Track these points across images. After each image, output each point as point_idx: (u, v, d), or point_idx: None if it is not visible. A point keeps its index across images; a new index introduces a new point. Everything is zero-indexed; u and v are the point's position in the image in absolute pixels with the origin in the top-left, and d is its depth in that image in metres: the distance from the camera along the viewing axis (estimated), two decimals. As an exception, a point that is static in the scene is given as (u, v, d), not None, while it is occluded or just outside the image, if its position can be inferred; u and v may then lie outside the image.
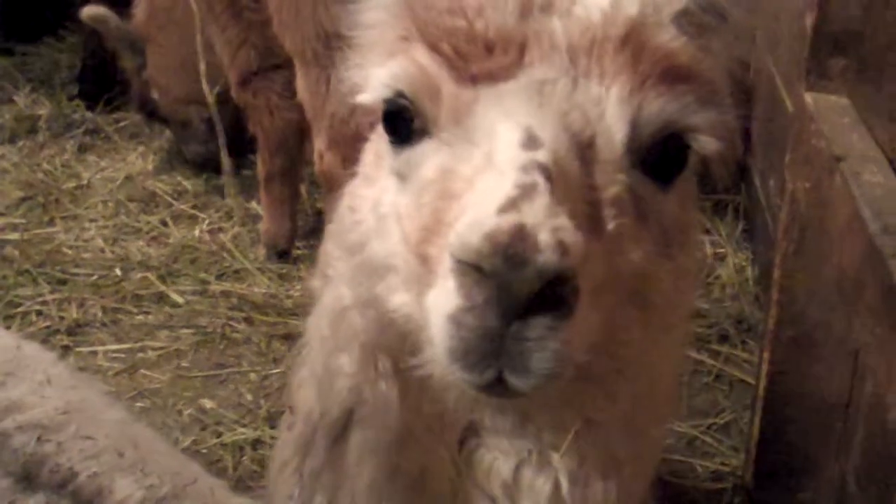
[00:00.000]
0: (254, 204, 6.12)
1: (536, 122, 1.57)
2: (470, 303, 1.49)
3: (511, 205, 1.46)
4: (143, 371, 4.71)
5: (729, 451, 4.19)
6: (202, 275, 5.46)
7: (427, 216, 1.63)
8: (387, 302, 1.74)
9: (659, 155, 1.69)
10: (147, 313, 5.16)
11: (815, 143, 2.81)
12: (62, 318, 5.01)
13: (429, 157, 1.70)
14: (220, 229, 5.96)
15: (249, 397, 4.55)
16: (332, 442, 1.88)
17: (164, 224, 6.01)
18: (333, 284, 1.94)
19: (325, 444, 1.88)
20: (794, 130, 3.02)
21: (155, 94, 6.69)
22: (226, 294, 5.29)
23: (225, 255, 5.66)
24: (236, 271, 5.54)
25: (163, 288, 5.32)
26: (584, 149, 1.62)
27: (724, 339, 4.81)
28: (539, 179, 1.49)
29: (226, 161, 5.88)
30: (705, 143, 1.69)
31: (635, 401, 1.85)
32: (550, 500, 1.83)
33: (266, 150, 5.67)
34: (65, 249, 5.63)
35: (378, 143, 1.88)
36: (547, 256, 1.43)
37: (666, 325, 1.81)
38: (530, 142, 1.54)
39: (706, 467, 4.09)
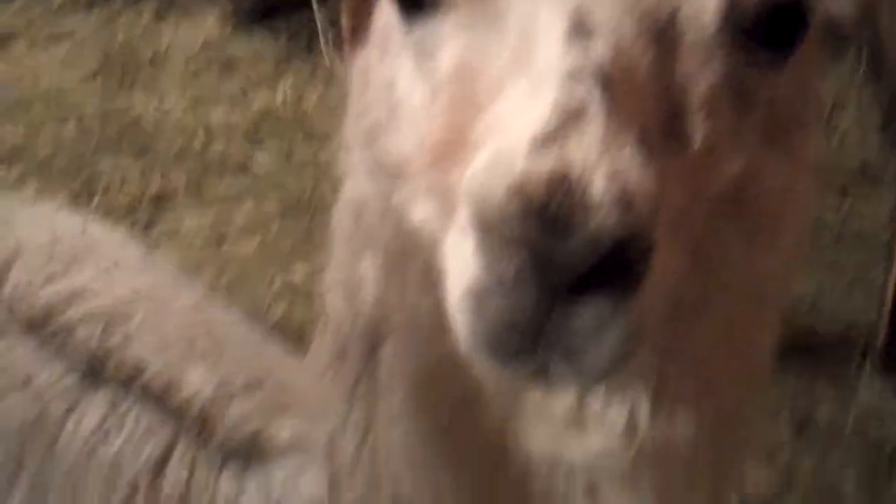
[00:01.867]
0: (335, 66, 5.86)
1: (588, 2, 1.12)
2: (495, 277, 1.07)
3: (551, 136, 1.03)
4: (229, 242, 4.57)
5: (856, 313, 3.90)
6: (287, 140, 5.27)
7: (446, 126, 1.22)
8: (406, 212, 1.35)
9: (769, 21, 1.22)
10: (231, 182, 5.00)
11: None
12: (145, 189, 4.88)
13: (446, 41, 1.26)
14: (303, 93, 5.72)
15: (340, 266, 4.36)
16: (365, 355, 1.58)
17: (245, 90, 5.79)
18: (353, 174, 1.55)
19: (358, 357, 1.59)
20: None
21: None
22: (311, 160, 5.09)
23: (308, 119, 5.44)
24: (321, 136, 5.31)
25: (247, 155, 5.15)
26: (662, 30, 1.17)
27: (845, 191, 4.46)
28: (593, 94, 1.06)
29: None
30: (839, 2, 1.27)
31: (733, 321, 1.41)
32: (626, 433, 1.41)
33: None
34: (145, 119, 5.47)
35: (388, 6, 1.43)
36: (604, 217, 1.01)
37: (777, 236, 1.36)
38: (581, 30, 1.11)
39: (831, 330, 3.81)
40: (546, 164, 1.02)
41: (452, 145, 1.19)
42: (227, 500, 1.91)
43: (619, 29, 1.12)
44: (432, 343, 1.39)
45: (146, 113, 5.51)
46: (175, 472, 1.93)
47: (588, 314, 1.06)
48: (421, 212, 1.30)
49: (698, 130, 1.18)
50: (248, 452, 1.92)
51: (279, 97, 5.69)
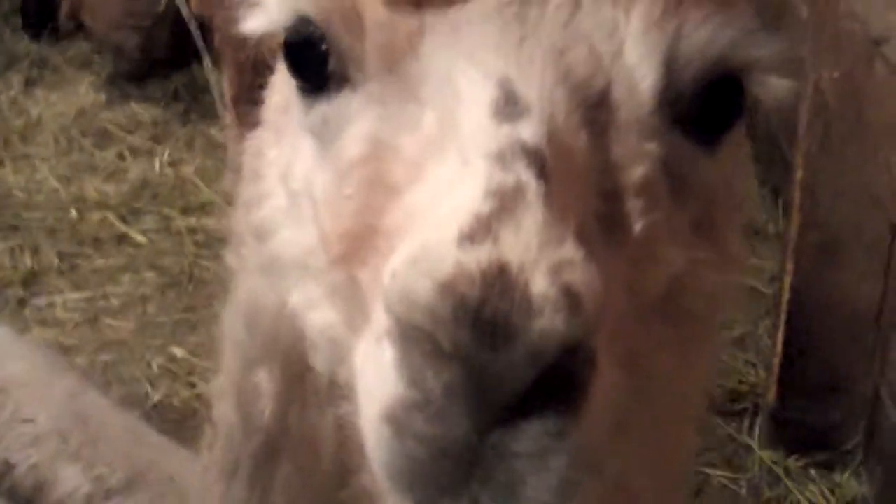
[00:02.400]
0: (214, 131, 5.76)
1: (517, 69, 1.01)
2: (419, 395, 0.91)
3: (482, 226, 0.89)
4: (105, 320, 4.39)
5: (745, 368, 3.92)
6: (165, 211, 5.12)
7: (354, 214, 1.08)
8: (305, 317, 1.20)
9: (705, 101, 1.13)
10: (108, 257, 4.83)
11: (846, 26, 2.47)
12: (16, 267, 4.69)
13: (353, 119, 1.12)
14: (182, 160, 5.59)
15: (224, 342, 4.23)
16: (257, 472, 1.46)
17: (121, 158, 5.64)
18: (248, 272, 1.40)
19: (249, 475, 1.47)
20: (816, 11, 2.68)
21: (87, 19, 6.33)
22: (192, 230, 4.96)
23: (189, 187, 5.31)
24: (202, 205, 5.20)
25: (123, 228, 4.99)
26: (594, 109, 1.05)
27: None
28: (527, 177, 0.92)
29: (205, 57, 5.42)
30: (774, 86, 1.17)
31: (658, 437, 1.28)
32: None
33: (233, 66, 5.26)
34: (16, 192, 5.29)
35: (284, 83, 1.29)
36: (549, 320, 0.87)
37: (703, 337, 1.25)
38: (509, 105, 0.98)
39: (722, 386, 3.81)
40: (479, 259, 0.88)
41: (363, 237, 1.05)
42: None
43: (551, 102, 1.00)
44: (336, 466, 1.28)
45: (17, 186, 5.32)
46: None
47: (528, 437, 0.91)
48: (324, 316, 1.17)
49: (636, 218, 1.07)
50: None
51: (157, 166, 5.55)
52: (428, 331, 0.88)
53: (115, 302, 4.51)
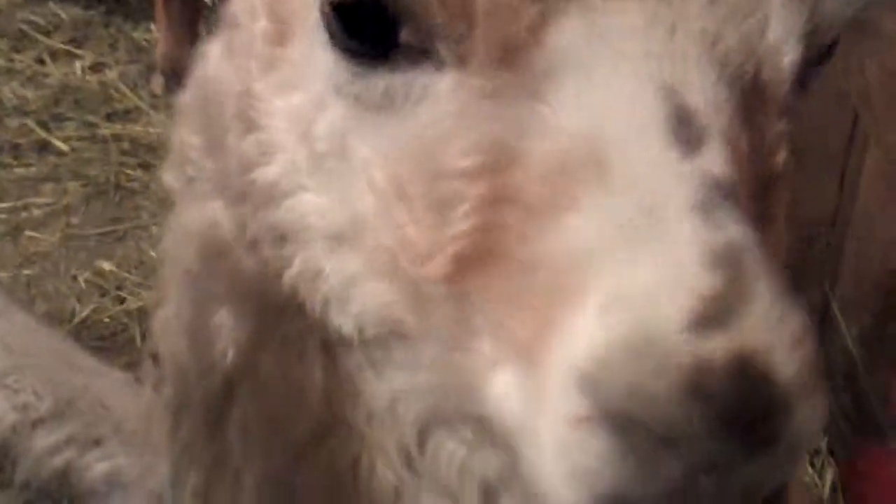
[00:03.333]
0: (138, 34, 5.54)
1: (676, 69, 0.85)
2: (645, 481, 0.79)
3: (713, 306, 0.76)
4: (28, 233, 4.21)
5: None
6: (89, 117, 4.91)
7: (467, 234, 0.92)
8: (330, 285, 1.11)
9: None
10: (28, 165, 4.63)
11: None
12: (-72, 176, 4.47)
13: (442, 105, 0.95)
14: (104, 64, 5.37)
15: (153, 254, 4.10)
16: (210, 413, 1.37)
17: (41, 62, 5.38)
18: (200, 197, 1.28)
19: (202, 415, 1.37)
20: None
21: None
22: (117, 138, 4.77)
23: (113, 92, 5.10)
24: (127, 111, 5.00)
25: (44, 135, 4.78)
26: (748, 99, 0.91)
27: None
28: (734, 230, 0.79)
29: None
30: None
31: None
32: None
33: None
34: (-74, 97, 5.03)
35: (293, 19, 1.11)
36: (808, 411, 0.78)
37: None
38: (683, 126, 0.83)
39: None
40: (720, 348, 0.74)
41: (482, 258, 0.90)
42: (30, 550, 1.69)
43: (720, 111, 0.86)
44: (317, 419, 1.22)
45: (-73, 89, 5.07)
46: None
47: (742, 475, 0.80)
48: (380, 294, 1.06)
49: (778, 202, 0.97)
50: (57, 493, 1.69)
51: (78, 70, 5.32)
52: (665, 426, 0.76)
53: (37, 213, 4.33)
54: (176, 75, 5.17)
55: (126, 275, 3.98)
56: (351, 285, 1.11)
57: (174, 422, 1.38)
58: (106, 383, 1.94)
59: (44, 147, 4.74)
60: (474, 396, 0.94)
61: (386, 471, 1.27)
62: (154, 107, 5.02)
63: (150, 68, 5.30)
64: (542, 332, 0.82)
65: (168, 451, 1.42)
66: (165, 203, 3.83)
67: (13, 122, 4.87)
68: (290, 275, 1.19)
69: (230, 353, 1.28)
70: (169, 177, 1.35)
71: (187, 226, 1.31)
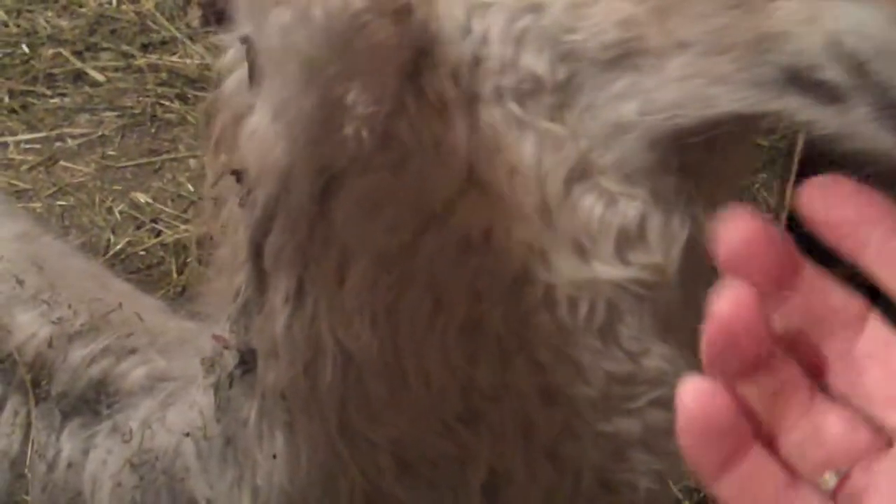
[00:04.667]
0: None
1: None
2: None
3: None
4: (62, 163, 4.22)
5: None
6: (124, 47, 4.90)
7: None
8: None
9: None
10: (63, 95, 4.62)
11: None
12: (-38, 105, 4.48)
13: None
14: (140, -5, 5.36)
15: (190, 187, 4.10)
16: (312, 204, 1.36)
17: (75, -9, 5.38)
18: None
19: (304, 209, 1.36)
20: None
21: None
22: (153, 68, 4.75)
23: (150, 23, 5.08)
24: (164, 42, 4.98)
25: (79, 65, 4.77)
26: None
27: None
28: None
29: None
30: None
31: None
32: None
33: None
34: (-41, 26, 5.05)
35: None
36: None
37: None
38: None
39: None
40: None
41: None
42: (71, 463, 1.68)
43: None
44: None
45: (-40, 18, 5.08)
46: (5, 436, 1.69)
47: None
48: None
49: None
50: (95, 402, 1.69)
51: (114, 0, 5.28)
52: None
53: (71, 143, 4.34)
54: (213, 8, 5.15)
55: (162, 207, 3.98)
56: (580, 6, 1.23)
57: (261, 230, 1.37)
58: (139, 302, 1.94)
59: (79, 77, 4.73)
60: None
61: (520, 232, 1.34)
62: (191, 38, 4.98)
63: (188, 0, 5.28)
64: None
65: (245, 269, 1.43)
66: (203, 135, 3.78)
67: (48, 52, 4.86)
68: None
69: (364, 132, 1.31)
70: None
71: (309, 12, 1.29)
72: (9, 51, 4.86)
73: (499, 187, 1.34)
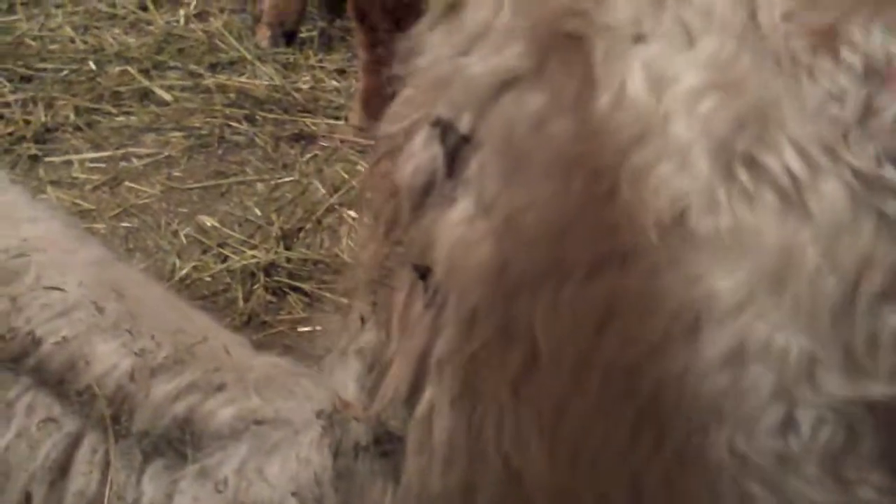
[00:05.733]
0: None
1: None
2: None
3: None
4: (127, 183, 4.19)
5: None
6: (192, 66, 4.89)
7: None
8: None
9: None
10: (129, 114, 4.61)
11: None
12: (28, 121, 4.46)
13: None
14: (208, 13, 5.35)
15: (258, 212, 4.04)
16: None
17: (143, 8, 5.38)
18: None
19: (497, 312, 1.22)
20: None
21: None
22: (221, 88, 4.73)
23: (218, 42, 5.07)
24: (232, 62, 4.98)
25: (146, 83, 4.76)
26: None
27: None
28: None
29: None
30: None
31: None
32: None
33: None
34: (28, 41, 5.05)
35: None
36: None
37: None
38: None
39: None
40: None
41: None
42: (154, 507, 1.60)
43: None
44: None
45: (29, 34, 5.08)
46: (82, 475, 1.60)
47: None
48: None
49: None
50: (179, 442, 1.61)
51: (182, 19, 5.31)
52: None
53: (137, 164, 4.31)
54: (282, 28, 5.14)
55: (229, 231, 3.92)
56: None
57: (464, 333, 1.25)
58: (223, 335, 1.86)
59: (145, 96, 4.73)
60: None
61: None
62: (260, 59, 4.96)
63: (256, 19, 5.26)
64: None
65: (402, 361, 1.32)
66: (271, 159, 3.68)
67: (114, 70, 4.86)
68: None
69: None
70: None
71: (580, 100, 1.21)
72: (75, 67, 4.87)
73: None
